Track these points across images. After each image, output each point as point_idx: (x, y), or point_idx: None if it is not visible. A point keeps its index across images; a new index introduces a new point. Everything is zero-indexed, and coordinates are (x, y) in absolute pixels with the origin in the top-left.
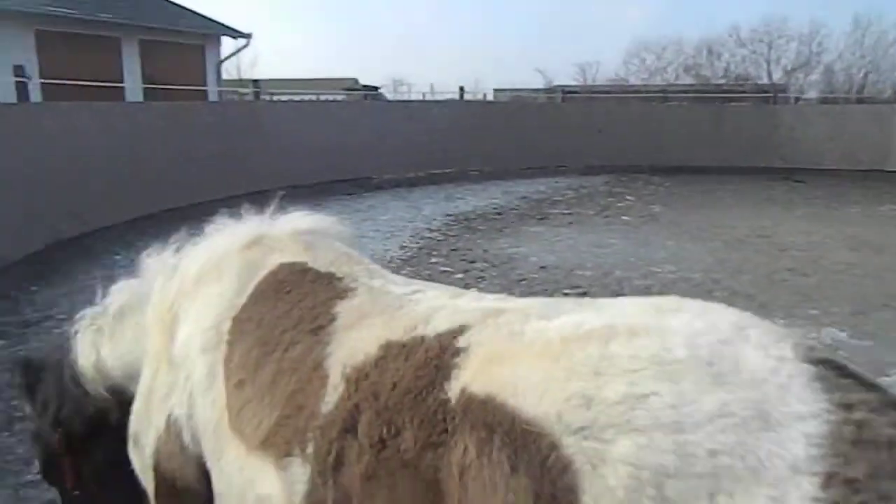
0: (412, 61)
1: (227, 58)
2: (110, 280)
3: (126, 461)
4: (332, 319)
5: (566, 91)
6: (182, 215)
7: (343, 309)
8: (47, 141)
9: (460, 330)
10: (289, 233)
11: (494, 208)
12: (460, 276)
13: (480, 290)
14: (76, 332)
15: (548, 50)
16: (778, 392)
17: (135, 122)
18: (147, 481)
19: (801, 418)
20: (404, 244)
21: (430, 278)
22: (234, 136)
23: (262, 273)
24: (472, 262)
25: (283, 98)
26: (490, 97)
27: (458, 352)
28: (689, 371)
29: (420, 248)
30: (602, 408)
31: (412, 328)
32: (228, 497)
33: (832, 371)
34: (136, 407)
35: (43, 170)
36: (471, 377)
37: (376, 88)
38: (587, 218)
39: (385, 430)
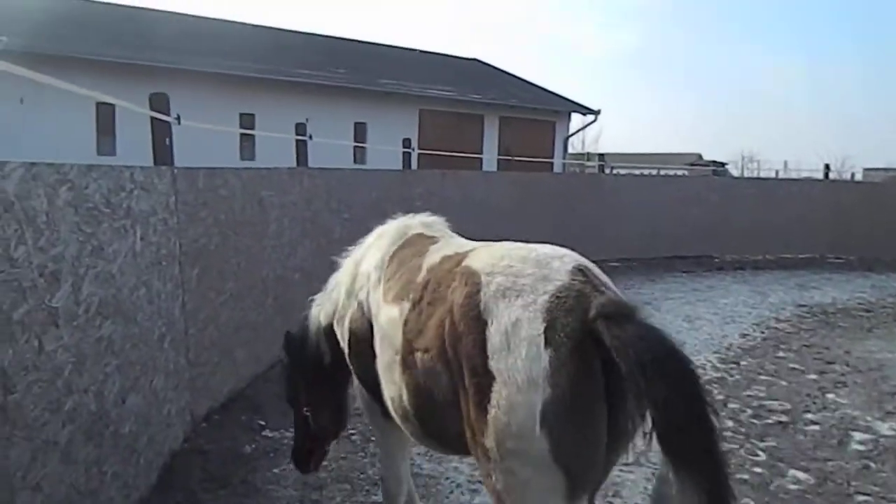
0: (763, 137)
1: (574, 132)
2: None
3: (328, 389)
4: (426, 250)
5: None
6: None
7: (432, 247)
8: (421, 201)
9: (468, 250)
10: (418, 220)
11: (860, 303)
12: (814, 377)
13: (839, 397)
14: (309, 311)
15: None
16: (555, 272)
17: (489, 189)
18: (344, 341)
19: (559, 279)
20: (746, 332)
21: (775, 374)
22: (576, 207)
23: (403, 238)
24: (830, 363)
25: (624, 172)
26: (859, 177)
27: (465, 255)
28: (531, 260)
29: (765, 339)
30: (498, 267)
31: (453, 252)
32: (379, 332)
33: (582, 271)
34: (341, 302)
35: None
36: (466, 261)
37: (723, 164)
38: None
39: (437, 285)
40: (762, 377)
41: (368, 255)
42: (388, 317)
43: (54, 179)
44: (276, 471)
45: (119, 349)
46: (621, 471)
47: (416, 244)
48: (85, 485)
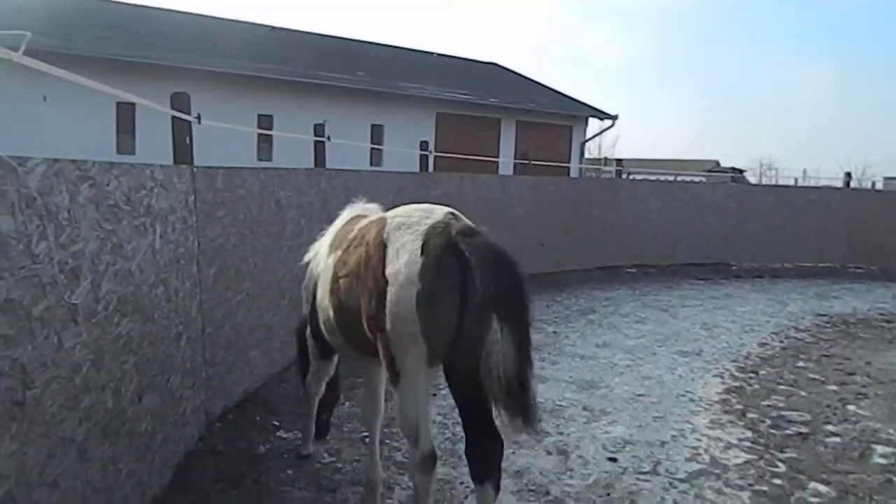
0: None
1: (591, 137)
2: None
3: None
4: (360, 221)
5: None
6: (536, 281)
7: (365, 218)
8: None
9: (390, 215)
10: (360, 206)
11: (881, 314)
12: (834, 387)
13: (860, 409)
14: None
15: None
16: (435, 214)
17: (506, 193)
18: (309, 296)
19: (437, 217)
20: (765, 341)
21: (795, 384)
22: (592, 212)
23: (348, 219)
24: (851, 373)
25: (640, 177)
26: (880, 186)
27: (385, 215)
28: (422, 209)
29: (784, 349)
30: (400, 213)
31: (378, 217)
32: (320, 280)
33: (454, 214)
34: (307, 276)
35: None
36: (383, 216)
37: (741, 171)
38: None
39: (362, 235)
40: (781, 387)
41: (324, 238)
42: (325, 265)
43: (76, 176)
44: (289, 472)
45: (137, 347)
46: (637, 479)
47: (356, 221)
48: (100, 482)
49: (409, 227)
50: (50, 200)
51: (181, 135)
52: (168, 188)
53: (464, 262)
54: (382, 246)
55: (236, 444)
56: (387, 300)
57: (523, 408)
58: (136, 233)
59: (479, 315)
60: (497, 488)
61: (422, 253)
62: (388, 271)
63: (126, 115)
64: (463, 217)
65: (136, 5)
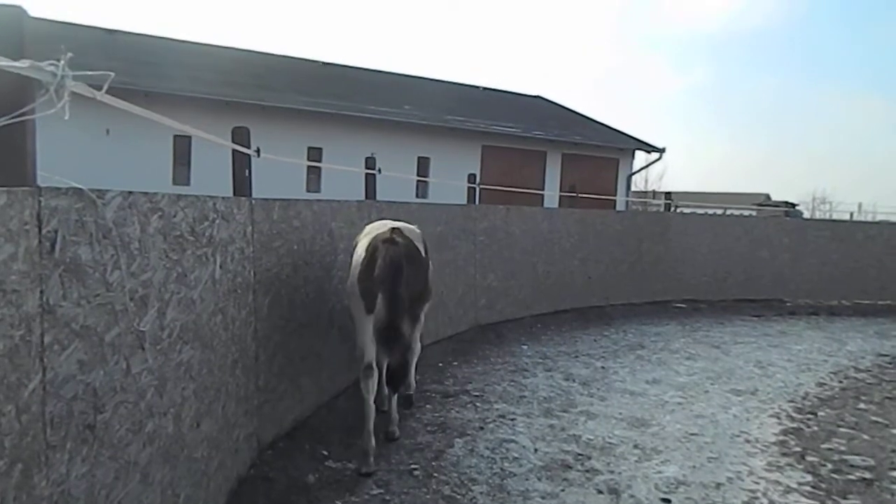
0: (835, 178)
1: (638, 170)
2: (515, 365)
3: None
4: (377, 228)
5: None
6: (583, 315)
7: (375, 227)
8: (485, 235)
9: (388, 227)
10: (381, 222)
11: None
12: None
13: None
14: None
15: None
16: (382, 228)
17: (552, 226)
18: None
19: (380, 230)
20: (823, 381)
21: (856, 427)
22: (640, 246)
23: (368, 230)
24: None
25: (688, 210)
26: None
27: (389, 228)
28: (378, 225)
29: (843, 389)
30: (368, 227)
31: (384, 226)
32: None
33: (398, 229)
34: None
35: (473, 263)
36: (382, 237)
37: (794, 205)
38: None
39: (368, 242)
40: (842, 429)
41: (360, 242)
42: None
43: (147, 208)
44: (338, 502)
45: (196, 374)
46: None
47: (368, 235)
48: None
49: (366, 235)
50: (123, 231)
51: (241, 167)
52: (228, 219)
53: (376, 258)
54: (354, 246)
55: (287, 471)
56: (350, 275)
57: (383, 339)
58: (198, 262)
59: (378, 287)
60: (394, 391)
61: (364, 251)
62: (353, 258)
63: (182, 148)
64: (404, 228)
65: (194, 43)
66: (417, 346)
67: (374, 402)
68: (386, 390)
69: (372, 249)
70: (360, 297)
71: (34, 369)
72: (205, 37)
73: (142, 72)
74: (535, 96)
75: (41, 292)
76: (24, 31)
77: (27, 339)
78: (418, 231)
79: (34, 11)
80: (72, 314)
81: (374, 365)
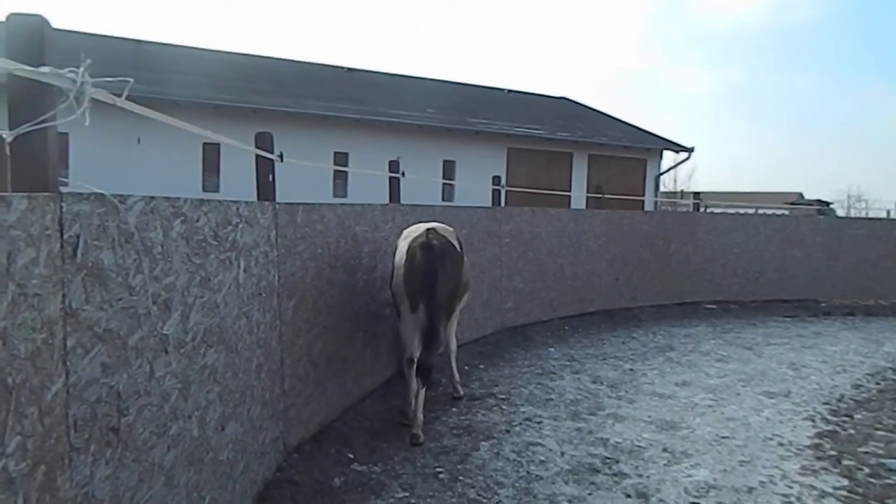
0: (870, 176)
1: (666, 170)
2: (542, 368)
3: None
4: (414, 231)
5: None
6: (611, 317)
7: (413, 230)
8: (510, 238)
9: (424, 229)
10: (417, 225)
11: None
12: None
13: None
14: None
15: None
16: (419, 230)
17: (579, 227)
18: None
19: (418, 233)
20: (859, 383)
21: (894, 430)
22: (669, 246)
23: (406, 233)
24: None
25: (718, 210)
26: None
27: (425, 230)
28: (415, 227)
29: (881, 391)
30: (406, 230)
31: (420, 227)
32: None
33: (433, 230)
34: (397, 262)
35: (499, 265)
36: (420, 240)
37: (827, 203)
38: None
39: (407, 245)
40: (879, 432)
41: (400, 245)
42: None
43: (170, 212)
44: None
45: (221, 377)
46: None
47: (410, 235)
48: None
49: (405, 238)
50: (146, 235)
51: (264, 172)
52: (252, 224)
53: (416, 262)
54: (395, 247)
55: (313, 475)
56: (394, 275)
57: (423, 338)
58: (222, 266)
59: (419, 292)
60: (424, 385)
61: (405, 252)
62: (395, 260)
63: (211, 155)
64: (439, 229)
65: (220, 52)
66: (454, 343)
67: (404, 410)
68: (415, 386)
69: (411, 254)
70: (405, 297)
71: (57, 372)
72: (229, 45)
73: (170, 80)
74: (560, 97)
75: (63, 296)
76: (44, 39)
77: (49, 343)
78: (451, 229)
79: (65, 24)
80: (94, 318)
81: (416, 359)
